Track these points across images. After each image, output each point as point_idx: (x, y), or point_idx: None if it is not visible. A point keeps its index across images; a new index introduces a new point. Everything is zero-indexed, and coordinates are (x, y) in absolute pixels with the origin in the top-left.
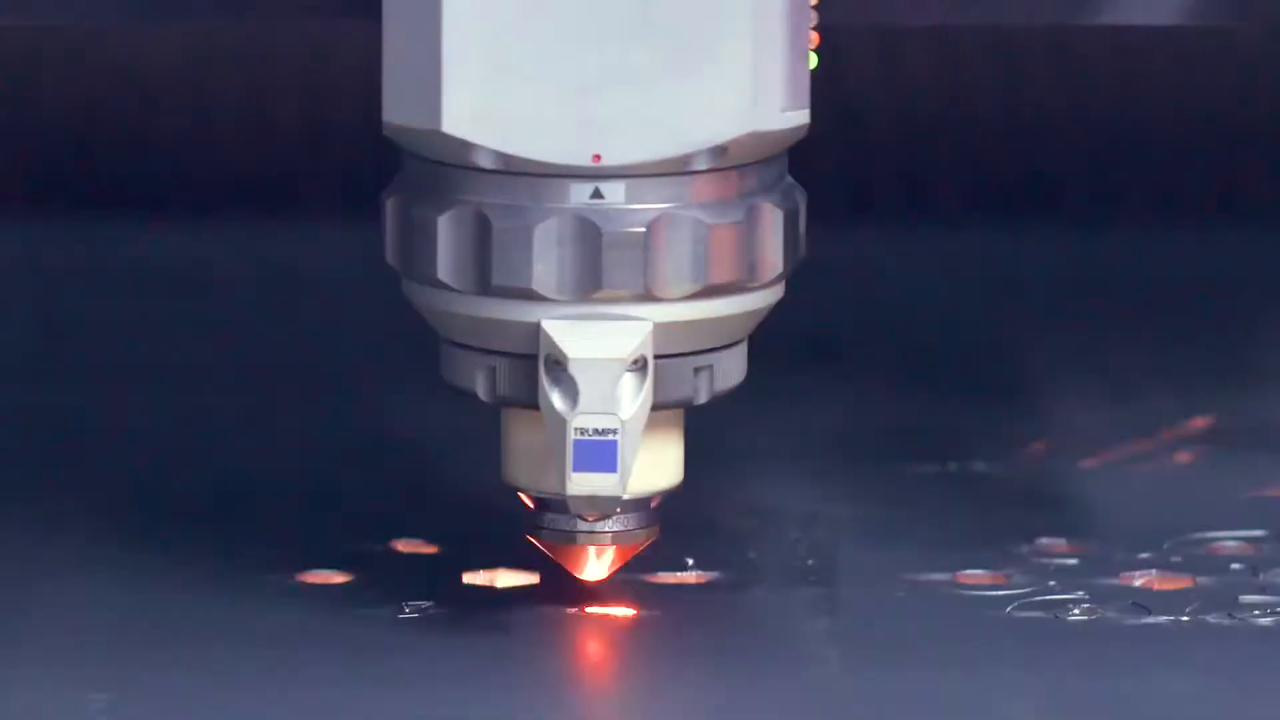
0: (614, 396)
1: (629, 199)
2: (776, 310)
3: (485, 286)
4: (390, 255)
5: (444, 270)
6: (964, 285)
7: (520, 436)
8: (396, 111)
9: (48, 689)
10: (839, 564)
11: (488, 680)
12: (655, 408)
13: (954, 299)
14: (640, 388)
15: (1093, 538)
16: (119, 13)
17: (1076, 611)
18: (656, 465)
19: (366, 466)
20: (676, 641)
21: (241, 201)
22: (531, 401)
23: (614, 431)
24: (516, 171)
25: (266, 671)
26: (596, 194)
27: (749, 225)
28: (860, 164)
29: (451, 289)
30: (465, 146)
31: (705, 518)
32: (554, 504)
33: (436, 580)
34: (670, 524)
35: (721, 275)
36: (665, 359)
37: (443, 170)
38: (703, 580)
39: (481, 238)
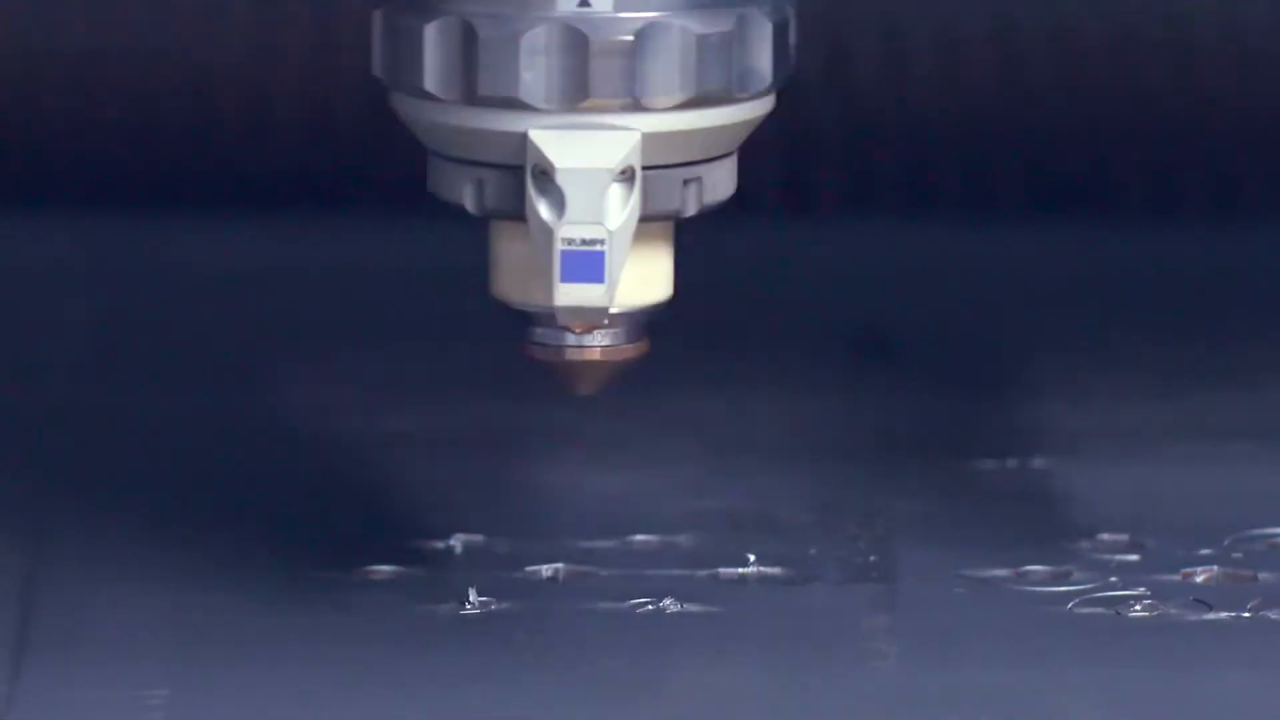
0: (601, 206)
1: (617, 7)
2: (835, 306)
3: (472, 97)
4: (376, 67)
5: (430, 81)
6: (1021, 282)
7: (508, 249)
8: None
9: (107, 687)
10: (899, 560)
11: (548, 675)
12: (643, 219)
13: (1011, 295)
14: (628, 198)
15: (1154, 534)
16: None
17: (1138, 608)
18: (645, 278)
19: (427, 462)
20: (737, 637)
21: (297, 200)
22: (519, 213)
23: (601, 242)
24: None
25: (325, 667)
26: (584, 2)
27: (738, 34)
28: (919, 162)
29: (438, 99)
30: None
31: (766, 514)
32: (542, 317)
33: (498, 576)
34: (732, 520)
35: (710, 84)
36: (654, 170)
37: None
38: (763, 576)
39: (468, 47)
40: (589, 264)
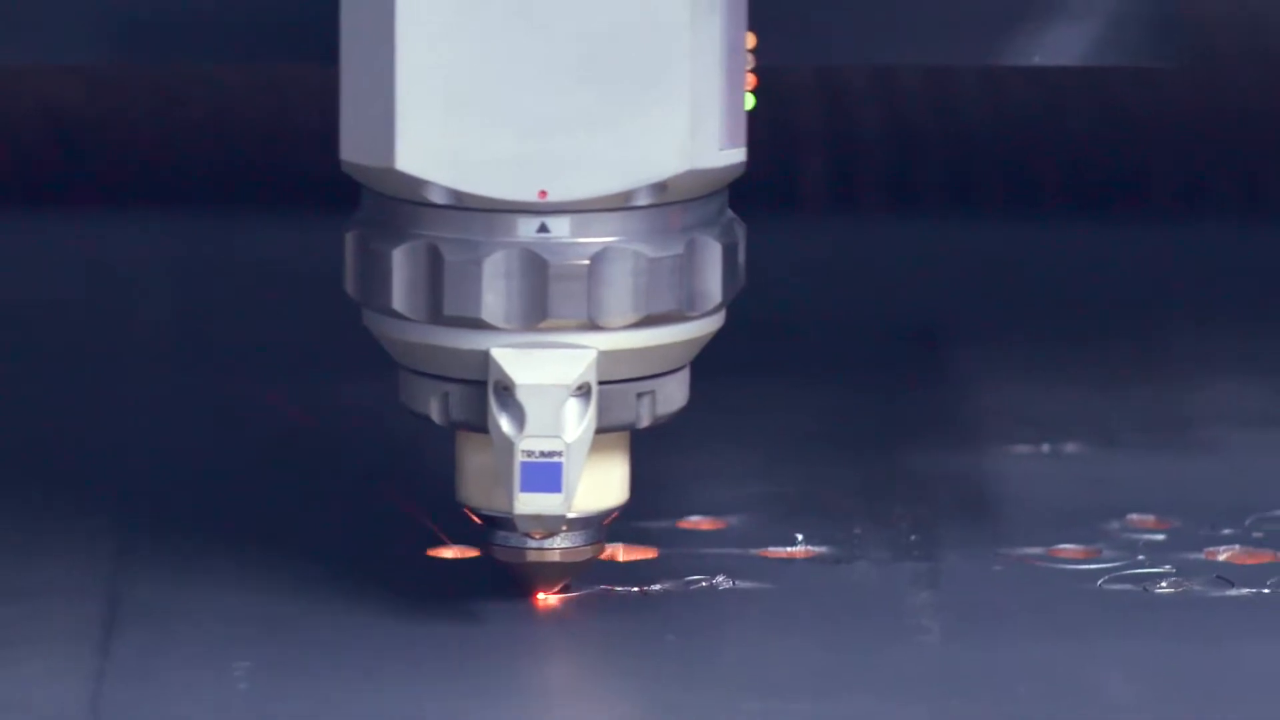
0: (559, 420)
1: (574, 233)
2: (879, 298)
3: (437, 316)
4: (349, 286)
5: (399, 301)
6: (1058, 275)
7: (472, 458)
8: (352, 149)
9: (197, 661)
10: (940, 539)
11: (607, 649)
12: (599, 431)
13: (1047, 288)
14: (585, 412)
15: (1180, 515)
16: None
17: (1164, 585)
18: (601, 485)
19: None
20: (785, 613)
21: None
22: (482, 425)
23: (559, 454)
24: (467, 207)
25: (401, 641)
26: (543, 228)
27: (688, 258)
28: (964, 161)
29: (406, 318)
30: (418, 183)
31: (812, 496)
32: (504, 522)
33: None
34: (780, 502)
35: (662, 305)
36: (609, 385)
37: (397, 205)
38: (810, 555)
39: (434, 270)
40: (547, 475)
